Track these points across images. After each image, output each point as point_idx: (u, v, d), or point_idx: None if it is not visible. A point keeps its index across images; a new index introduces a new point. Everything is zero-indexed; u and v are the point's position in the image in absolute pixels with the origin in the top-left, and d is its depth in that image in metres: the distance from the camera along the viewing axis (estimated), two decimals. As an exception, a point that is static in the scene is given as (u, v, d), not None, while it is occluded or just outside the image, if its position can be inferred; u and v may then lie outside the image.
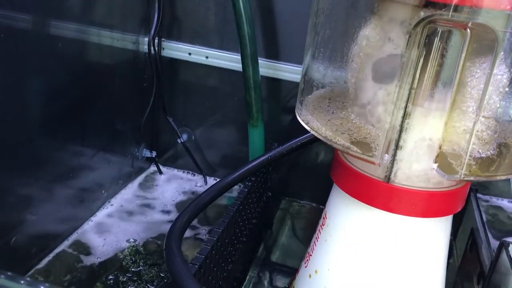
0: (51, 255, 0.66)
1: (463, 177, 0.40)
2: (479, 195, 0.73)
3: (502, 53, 0.40)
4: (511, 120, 0.44)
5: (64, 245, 0.68)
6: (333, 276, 0.51)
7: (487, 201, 0.75)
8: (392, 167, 0.45)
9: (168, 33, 0.82)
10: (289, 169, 0.86)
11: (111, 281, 0.61)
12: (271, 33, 0.78)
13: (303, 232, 0.81)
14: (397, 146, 0.44)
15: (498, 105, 0.40)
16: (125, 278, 0.61)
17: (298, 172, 0.86)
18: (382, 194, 0.46)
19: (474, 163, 0.40)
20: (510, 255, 0.52)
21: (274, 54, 0.78)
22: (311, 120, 0.46)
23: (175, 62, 0.83)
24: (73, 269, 0.63)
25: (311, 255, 0.56)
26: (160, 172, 0.89)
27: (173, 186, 0.86)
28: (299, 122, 0.78)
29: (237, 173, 0.61)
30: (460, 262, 0.70)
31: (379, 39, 0.43)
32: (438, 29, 0.39)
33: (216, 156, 0.88)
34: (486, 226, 0.62)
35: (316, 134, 0.45)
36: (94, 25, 0.72)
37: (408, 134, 0.43)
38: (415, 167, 0.44)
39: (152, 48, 0.81)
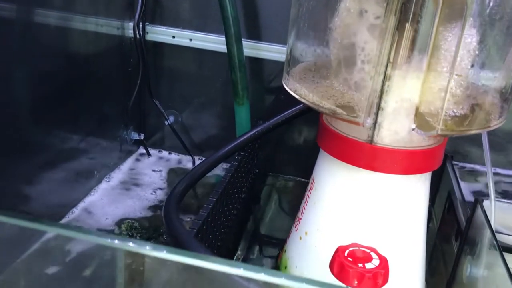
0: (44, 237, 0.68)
1: (440, 132, 0.44)
2: (454, 161, 0.78)
3: (471, 19, 0.44)
4: (481, 83, 0.48)
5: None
6: (323, 236, 0.55)
7: (463, 167, 0.79)
8: (374, 128, 0.48)
9: (152, 17, 0.84)
10: (274, 147, 0.90)
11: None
12: (253, 14, 0.80)
13: (289, 205, 0.84)
14: (378, 108, 0.47)
15: (469, 66, 0.44)
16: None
17: (283, 150, 0.90)
18: (366, 155, 0.49)
19: (450, 119, 0.44)
20: (484, 210, 0.56)
21: (256, 35, 0.81)
22: (298, 88, 0.49)
23: (159, 46, 0.85)
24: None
25: (300, 219, 0.59)
26: (149, 154, 0.91)
27: (162, 167, 0.88)
28: (283, 100, 0.81)
29: (228, 147, 0.64)
30: (439, 225, 0.75)
31: (359, 9, 0.47)
32: (413, -4, 0.43)
33: (203, 137, 0.91)
34: (461, 187, 0.66)
35: (303, 101, 0.48)
36: (79, 11, 0.73)
37: (388, 96, 0.47)
38: (396, 128, 0.48)
39: (137, 32, 0.83)
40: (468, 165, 0.80)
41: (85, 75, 0.76)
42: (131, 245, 0.24)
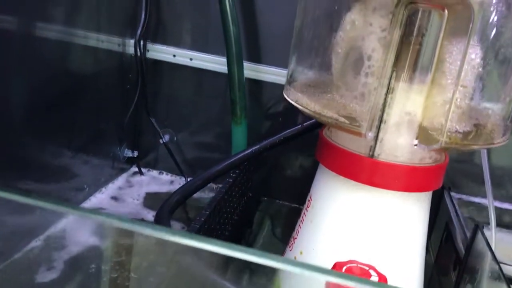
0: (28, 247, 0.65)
1: (444, 145, 0.43)
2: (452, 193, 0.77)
3: (475, 36, 0.44)
4: (484, 100, 0.48)
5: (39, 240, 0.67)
6: (319, 254, 0.53)
7: (460, 198, 0.78)
8: (376, 142, 0.47)
9: (154, 35, 0.84)
10: (270, 171, 0.88)
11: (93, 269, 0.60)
12: (255, 36, 0.81)
13: (282, 232, 0.82)
14: (381, 121, 0.46)
15: (473, 80, 0.44)
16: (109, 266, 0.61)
17: (278, 174, 0.88)
18: (366, 169, 0.48)
19: (454, 133, 0.43)
20: (485, 236, 0.55)
21: (257, 57, 0.81)
22: (300, 98, 0.48)
23: (159, 64, 0.85)
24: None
25: (296, 238, 0.57)
26: (141, 173, 0.89)
27: (153, 187, 0.86)
28: (281, 122, 0.80)
29: (224, 163, 0.63)
30: (436, 256, 0.73)
31: (363, 22, 0.47)
32: (419, 9, 0.43)
33: (197, 158, 0.89)
34: (460, 215, 0.65)
35: (305, 111, 0.48)
36: (81, 27, 0.73)
37: (391, 109, 0.46)
38: (398, 142, 0.47)
39: (137, 50, 0.83)
40: (465, 197, 0.79)
41: (82, 90, 0.75)
42: (119, 222, 0.23)
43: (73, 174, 0.75)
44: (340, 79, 0.49)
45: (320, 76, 0.50)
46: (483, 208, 0.77)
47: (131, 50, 0.83)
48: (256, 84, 0.82)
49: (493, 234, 0.54)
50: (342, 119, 0.45)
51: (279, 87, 0.81)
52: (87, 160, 0.79)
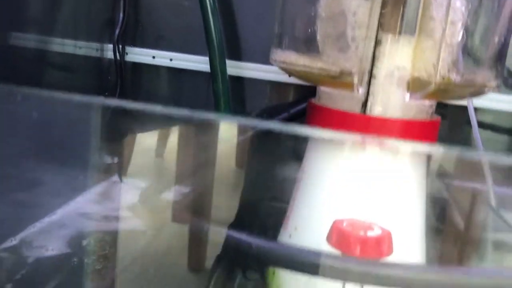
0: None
1: (437, 87, 0.42)
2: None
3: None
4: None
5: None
6: (314, 228, 0.50)
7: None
8: (367, 98, 0.46)
9: (132, 38, 0.83)
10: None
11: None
12: (234, 33, 0.81)
13: None
14: (371, 76, 0.45)
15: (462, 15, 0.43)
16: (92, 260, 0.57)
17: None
18: (359, 126, 0.46)
19: (447, 72, 0.42)
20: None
21: (238, 54, 0.81)
22: (288, 56, 0.47)
23: (139, 66, 0.83)
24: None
25: (289, 216, 0.54)
26: (121, 180, 0.85)
27: (133, 192, 0.83)
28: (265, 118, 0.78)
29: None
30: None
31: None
32: (402, -44, 0.43)
33: (180, 161, 0.86)
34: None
35: (294, 68, 0.46)
36: (57, 35, 0.72)
37: (380, 63, 0.45)
38: (390, 96, 0.46)
39: (116, 53, 0.81)
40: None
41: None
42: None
43: (47, 182, 0.72)
44: (326, 37, 0.48)
45: (306, 36, 0.49)
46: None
47: (109, 54, 0.82)
48: (238, 81, 0.81)
49: (490, 191, 0.52)
50: (334, 68, 0.44)
51: (262, 83, 0.80)
52: (65, 166, 0.75)
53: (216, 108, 0.74)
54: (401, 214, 0.46)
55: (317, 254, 0.33)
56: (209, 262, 0.71)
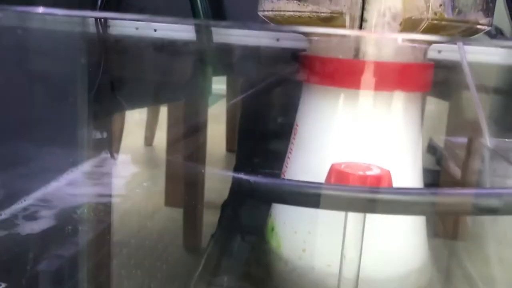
0: None
1: (430, 23, 0.41)
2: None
3: None
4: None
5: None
6: (313, 172, 0.49)
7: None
8: (359, 44, 0.46)
9: (115, 10, 0.81)
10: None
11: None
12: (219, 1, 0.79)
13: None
14: (362, 20, 0.45)
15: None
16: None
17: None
18: (353, 72, 0.46)
19: (439, 7, 0.42)
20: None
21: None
22: (276, 3, 0.46)
23: (122, 39, 0.81)
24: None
25: (285, 170, 0.54)
26: (112, 155, 0.84)
27: (125, 167, 0.82)
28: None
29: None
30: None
31: None
32: None
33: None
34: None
35: (283, 14, 0.46)
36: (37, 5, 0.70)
37: (370, 5, 0.44)
38: (382, 39, 0.45)
39: (98, 27, 0.79)
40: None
41: (42, 73, 0.71)
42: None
43: (36, 160, 0.70)
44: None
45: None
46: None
47: (92, 28, 0.80)
48: (224, 48, 0.79)
49: (487, 140, 0.52)
50: (325, 9, 0.43)
51: (248, 49, 0.79)
52: (51, 144, 0.74)
53: (203, 74, 0.73)
54: (398, 156, 0.46)
55: (318, 185, 0.32)
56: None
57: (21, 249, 0.59)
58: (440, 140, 0.82)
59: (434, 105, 0.79)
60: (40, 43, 0.71)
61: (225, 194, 0.80)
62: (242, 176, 0.32)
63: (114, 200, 0.73)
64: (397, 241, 0.48)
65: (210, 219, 0.84)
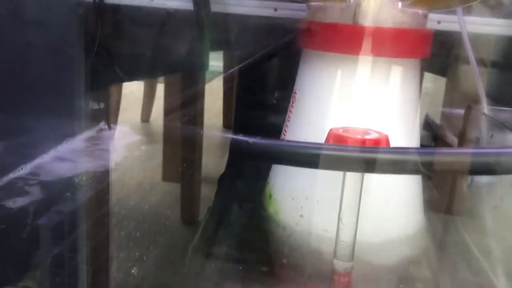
0: None
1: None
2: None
3: None
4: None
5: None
6: (311, 138, 0.50)
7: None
8: (359, 9, 0.45)
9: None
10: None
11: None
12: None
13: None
14: (361, -16, 0.44)
15: None
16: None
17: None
18: (352, 37, 0.46)
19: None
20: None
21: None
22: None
23: (118, 9, 0.80)
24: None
25: (283, 138, 0.54)
26: (109, 127, 0.84)
27: (123, 137, 0.82)
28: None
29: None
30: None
31: None
32: None
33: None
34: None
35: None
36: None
37: (370, -31, 0.44)
38: (381, 3, 0.45)
39: (94, -4, 0.78)
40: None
41: (37, 44, 0.71)
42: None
43: (31, 131, 0.70)
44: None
45: None
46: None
47: (87, -2, 0.79)
48: (222, 17, 0.79)
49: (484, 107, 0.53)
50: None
51: (246, 18, 0.78)
52: (47, 116, 0.74)
53: (200, 45, 0.73)
54: (396, 121, 0.46)
55: (317, 145, 0.32)
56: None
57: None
58: (437, 115, 0.82)
59: (431, 82, 0.79)
60: (36, 11, 0.70)
61: (221, 168, 0.80)
62: (241, 137, 0.32)
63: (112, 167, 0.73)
64: (393, 206, 0.49)
65: (207, 194, 0.85)
